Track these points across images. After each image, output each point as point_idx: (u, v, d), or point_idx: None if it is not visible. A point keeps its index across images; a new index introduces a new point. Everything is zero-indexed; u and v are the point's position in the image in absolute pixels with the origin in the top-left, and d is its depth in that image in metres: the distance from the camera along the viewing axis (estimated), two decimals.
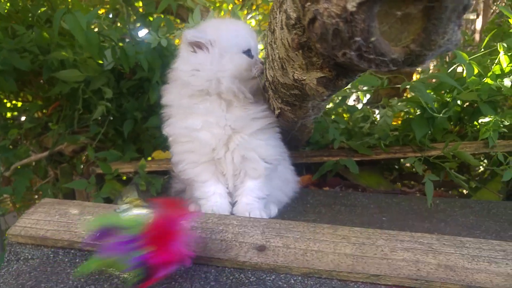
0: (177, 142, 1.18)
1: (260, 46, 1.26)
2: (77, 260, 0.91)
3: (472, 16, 3.36)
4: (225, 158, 1.15)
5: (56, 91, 1.55)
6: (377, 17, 0.51)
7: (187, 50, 1.12)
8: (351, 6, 0.48)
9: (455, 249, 0.90)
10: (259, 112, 1.15)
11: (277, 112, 1.07)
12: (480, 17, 3.18)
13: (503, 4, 3.15)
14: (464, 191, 1.71)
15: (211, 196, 1.16)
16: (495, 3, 3.26)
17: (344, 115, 1.95)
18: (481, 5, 3.24)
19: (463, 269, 0.83)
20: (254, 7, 2.33)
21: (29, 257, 0.93)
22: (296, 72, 0.73)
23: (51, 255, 0.93)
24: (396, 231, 0.97)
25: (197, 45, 1.10)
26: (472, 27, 3.49)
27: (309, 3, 0.52)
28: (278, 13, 0.69)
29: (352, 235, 0.95)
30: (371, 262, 0.85)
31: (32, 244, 0.96)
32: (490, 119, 1.43)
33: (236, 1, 2.40)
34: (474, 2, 3.40)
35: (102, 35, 1.45)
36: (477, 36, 3.01)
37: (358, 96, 2.17)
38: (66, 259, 0.91)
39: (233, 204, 1.19)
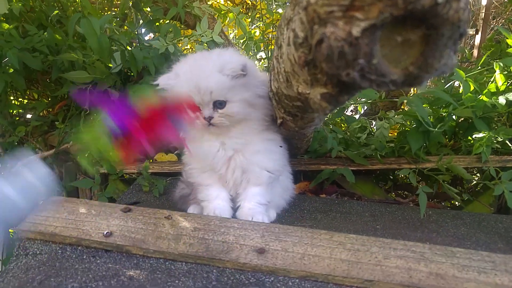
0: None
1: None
2: (84, 257, 0.94)
3: (471, 32, 3.40)
4: (226, 174, 1.19)
5: (64, 91, 1.59)
6: (379, 41, 0.55)
7: None
8: (356, 32, 0.52)
9: (446, 259, 0.92)
10: (256, 134, 1.18)
11: (279, 121, 1.12)
12: (480, 33, 3.24)
13: (502, 21, 3.21)
14: (457, 203, 1.75)
15: (214, 199, 1.21)
16: (495, 19, 3.32)
17: (342, 125, 1.99)
18: (481, 22, 3.29)
19: (453, 278, 0.86)
20: (257, 16, 2.38)
21: (38, 252, 0.96)
22: (300, 86, 0.78)
23: (59, 251, 0.96)
24: (390, 239, 1.00)
25: None
26: (472, 42, 3.54)
27: (316, 26, 0.56)
28: (285, 30, 0.73)
29: (347, 241, 0.99)
30: (365, 268, 0.89)
31: (40, 239, 0.99)
32: (484, 134, 1.46)
33: (242, 10, 2.46)
34: (473, 18, 3.46)
35: (112, 39, 1.50)
36: (475, 52, 3.06)
37: (356, 106, 2.21)
38: (74, 255, 0.95)
39: (235, 209, 1.23)
